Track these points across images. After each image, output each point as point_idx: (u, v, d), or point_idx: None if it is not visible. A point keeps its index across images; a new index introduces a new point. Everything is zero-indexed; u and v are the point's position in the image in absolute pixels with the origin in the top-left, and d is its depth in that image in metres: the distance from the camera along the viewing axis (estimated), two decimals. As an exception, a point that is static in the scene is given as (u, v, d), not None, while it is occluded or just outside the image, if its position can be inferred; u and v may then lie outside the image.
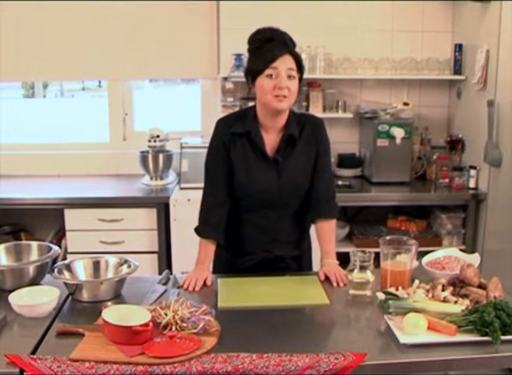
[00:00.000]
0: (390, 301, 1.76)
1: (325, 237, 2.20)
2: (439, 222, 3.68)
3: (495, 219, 3.35)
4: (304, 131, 2.14)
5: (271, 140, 2.12)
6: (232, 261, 2.24)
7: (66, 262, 2.08)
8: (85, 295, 1.91)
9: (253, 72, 2.02)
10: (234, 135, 2.11)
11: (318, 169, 2.17)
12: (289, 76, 1.99)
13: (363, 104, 3.92)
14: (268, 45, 2.00)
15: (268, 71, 1.98)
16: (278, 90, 1.97)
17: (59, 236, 3.72)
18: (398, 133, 3.60)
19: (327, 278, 2.09)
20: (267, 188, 2.11)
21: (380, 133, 3.65)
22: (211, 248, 2.17)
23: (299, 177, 2.14)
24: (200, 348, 1.56)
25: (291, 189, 2.13)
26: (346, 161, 3.95)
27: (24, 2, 3.75)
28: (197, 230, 2.19)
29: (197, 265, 2.15)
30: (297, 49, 3.69)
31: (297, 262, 2.28)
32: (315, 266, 2.39)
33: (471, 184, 3.56)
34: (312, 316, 1.86)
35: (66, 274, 1.99)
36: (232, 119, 2.16)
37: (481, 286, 1.88)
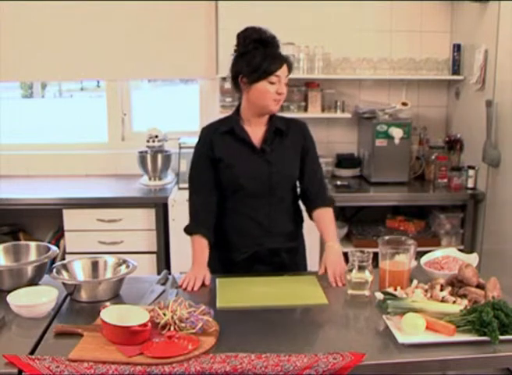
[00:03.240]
0: (389, 301, 1.76)
1: (324, 222, 2.24)
2: (437, 222, 3.68)
3: (493, 219, 3.35)
4: (290, 128, 2.24)
5: (255, 132, 2.20)
6: (225, 257, 2.25)
7: (65, 262, 2.08)
8: (84, 295, 1.91)
9: (255, 74, 2.09)
10: (219, 135, 2.19)
11: (310, 165, 2.27)
12: (286, 84, 2.14)
13: (361, 104, 3.92)
14: (270, 51, 2.11)
15: (272, 78, 2.09)
16: (278, 95, 2.11)
17: (58, 236, 3.72)
18: (396, 133, 3.60)
19: (326, 278, 2.09)
20: (257, 177, 2.16)
21: (378, 133, 3.65)
22: (204, 244, 2.18)
23: (287, 167, 2.21)
24: (199, 348, 1.56)
25: (281, 178, 2.19)
26: (344, 161, 3.95)
27: (23, 2, 3.74)
28: (186, 230, 2.22)
29: (194, 264, 2.15)
30: (296, 49, 3.73)
31: (292, 256, 2.29)
32: (310, 264, 2.42)
33: (470, 184, 3.57)
34: (311, 316, 1.86)
35: (65, 274, 2.00)
36: (215, 123, 2.27)
37: (479, 286, 1.88)
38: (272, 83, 2.09)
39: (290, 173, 2.23)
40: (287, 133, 2.22)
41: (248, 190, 2.17)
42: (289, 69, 2.15)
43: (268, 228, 2.20)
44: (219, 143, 2.19)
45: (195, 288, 2.03)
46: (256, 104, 2.15)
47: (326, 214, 2.26)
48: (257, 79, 2.09)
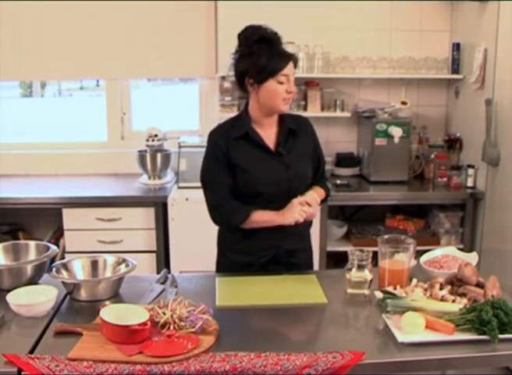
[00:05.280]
0: (388, 300, 1.76)
1: (313, 187, 2.25)
2: (437, 221, 3.69)
3: (493, 217, 3.36)
4: (300, 127, 2.23)
5: (268, 134, 2.18)
6: (244, 260, 2.22)
7: (64, 261, 2.08)
8: (83, 294, 1.91)
9: (262, 73, 2.06)
10: (233, 140, 2.14)
11: (320, 159, 2.30)
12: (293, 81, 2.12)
13: (361, 103, 3.92)
14: (275, 49, 2.09)
15: (280, 77, 2.07)
16: (288, 94, 2.10)
17: (57, 235, 3.72)
18: (396, 132, 3.60)
19: (326, 277, 2.10)
20: (276, 181, 2.13)
21: (378, 132, 3.65)
22: (260, 211, 2.13)
23: (303, 168, 2.20)
24: (198, 347, 1.56)
25: (299, 180, 2.17)
26: (344, 160, 3.95)
27: (23, 2, 3.74)
28: (238, 221, 2.14)
29: (278, 217, 2.10)
30: (295, 48, 3.73)
31: (304, 256, 2.30)
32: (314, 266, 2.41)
33: (469, 183, 3.57)
34: (310, 314, 1.86)
35: (64, 273, 2.00)
36: (226, 126, 2.21)
37: (478, 285, 1.88)
38: (280, 82, 2.06)
39: (306, 173, 2.22)
40: (298, 133, 2.21)
41: (267, 194, 2.13)
42: (295, 66, 2.13)
43: (286, 230, 2.15)
44: (234, 148, 2.14)
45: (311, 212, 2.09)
46: (266, 104, 2.12)
47: (319, 188, 2.27)
48: (264, 79, 2.06)
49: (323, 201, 2.32)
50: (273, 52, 2.07)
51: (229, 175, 2.14)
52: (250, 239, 2.19)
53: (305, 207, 2.08)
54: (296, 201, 2.08)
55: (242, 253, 2.22)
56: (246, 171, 2.13)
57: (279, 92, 2.07)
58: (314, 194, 2.15)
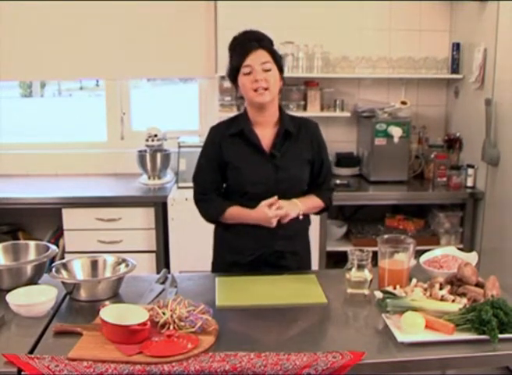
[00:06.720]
0: (388, 300, 1.76)
1: (307, 196, 2.23)
2: (436, 221, 3.69)
3: (492, 217, 3.36)
4: (300, 130, 2.21)
5: (265, 135, 2.17)
6: (232, 259, 2.23)
7: (64, 261, 2.08)
8: (83, 294, 1.91)
9: (230, 72, 2.15)
10: (228, 137, 2.17)
11: (323, 167, 2.25)
12: (266, 70, 2.08)
13: (360, 103, 3.92)
14: (240, 45, 2.12)
15: (243, 70, 2.09)
16: (255, 83, 2.07)
17: (57, 235, 3.72)
18: (396, 132, 3.60)
19: (325, 277, 2.10)
20: (264, 182, 2.13)
21: (378, 132, 3.65)
22: (236, 207, 2.16)
23: (295, 171, 2.18)
24: (198, 347, 1.57)
25: (288, 183, 2.16)
26: (343, 160, 3.94)
27: (23, 2, 3.74)
28: (212, 216, 2.21)
29: (252, 215, 2.11)
30: (295, 48, 3.72)
31: (297, 258, 2.28)
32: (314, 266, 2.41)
33: (469, 183, 3.57)
34: (310, 314, 1.86)
35: (64, 273, 2.00)
36: (225, 123, 2.24)
37: (478, 284, 1.88)
38: (246, 74, 2.08)
39: (298, 177, 2.19)
40: (297, 136, 2.19)
41: (254, 194, 2.13)
42: (271, 54, 2.10)
43: (275, 230, 2.14)
44: (228, 146, 2.16)
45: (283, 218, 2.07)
46: (247, 100, 2.16)
47: (314, 197, 2.24)
48: (232, 77, 2.14)
49: (320, 212, 2.32)
50: (239, 48, 2.11)
51: (216, 172, 2.19)
52: (239, 237, 2.21)
53: (273, 210, 2.06)
54: (263, 203, 2.07)
55: (230, 251, 2.24)
56: (236, 169, 2.15)
57: (246, 84, 2.09)
58: (293, 200, 2.14)
